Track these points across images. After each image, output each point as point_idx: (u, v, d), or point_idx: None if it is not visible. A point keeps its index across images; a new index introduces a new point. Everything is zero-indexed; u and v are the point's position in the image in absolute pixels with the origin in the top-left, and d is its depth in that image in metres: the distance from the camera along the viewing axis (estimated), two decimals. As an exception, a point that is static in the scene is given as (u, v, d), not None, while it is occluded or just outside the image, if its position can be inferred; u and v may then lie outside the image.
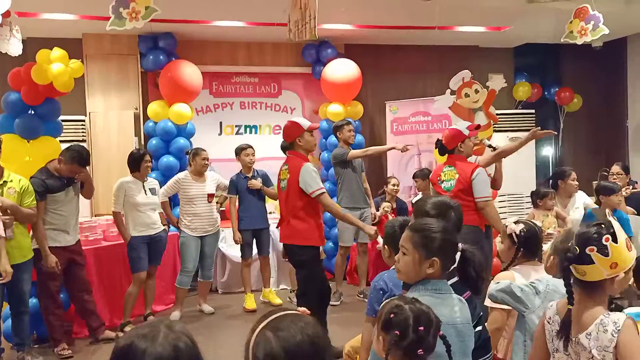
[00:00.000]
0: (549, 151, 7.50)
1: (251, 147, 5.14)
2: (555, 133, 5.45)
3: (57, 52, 4.01)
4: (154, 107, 5.71)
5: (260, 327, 1.15)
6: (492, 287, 2.16)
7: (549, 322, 1.71)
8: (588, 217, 4.39)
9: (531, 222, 2.51)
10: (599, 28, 4.54)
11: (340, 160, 5.05)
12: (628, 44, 7.11)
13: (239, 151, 5.12)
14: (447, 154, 3.92)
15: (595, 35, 4.56)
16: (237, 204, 5.07)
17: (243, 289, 5.20)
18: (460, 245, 1.80)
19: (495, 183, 4.37)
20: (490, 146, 4.33)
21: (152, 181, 4.68)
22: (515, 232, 2.41)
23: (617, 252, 1.56)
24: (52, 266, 3.80)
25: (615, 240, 1.56)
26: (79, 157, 3.93)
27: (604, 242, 1.56)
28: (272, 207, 5.89)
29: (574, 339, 1.61)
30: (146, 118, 5.84)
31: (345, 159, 4.95)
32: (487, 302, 2.29)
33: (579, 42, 4.67)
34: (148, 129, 5.82)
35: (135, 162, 4.48)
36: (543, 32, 6.43)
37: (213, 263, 5.13)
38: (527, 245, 2.40)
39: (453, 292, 1.73)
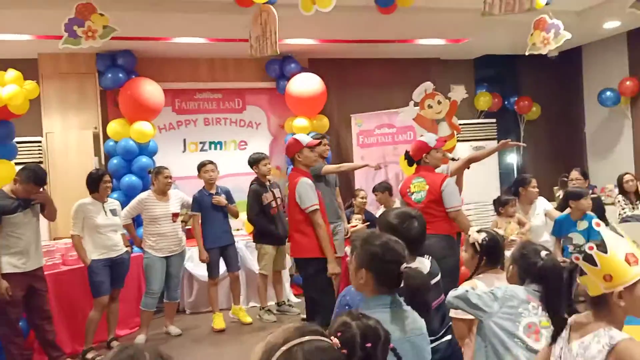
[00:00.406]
0: (511, 159, 7.70)
1: (212, 163, 5.08)
2: (524, 145, 5.59)
3: (12, 73, 3.90)
4: (113, 126, 5.61)
5: (288, 346, 1.08)
6: (449, 294, 2.19)
7: None
8: (558, 223, 4.49)
9: (493, 231, 2.57)
10: (561, 34, 4.68)
11: (315, 174, 4.96)
12: (583, 52, 7.40)
13: (200, 168, 5.06)
14: (416, 166, 3.97)
15: (558, 42, 4.69)
16: (199, 221, 5.00)
17: (210, 309, 5.12)
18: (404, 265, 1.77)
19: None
20: (453, 159, 4.42)
21: (112, 202, 4.57)
22: (477, 241, 2.47)
23: (607, 263, 1.47)
24: (2, 293, 3.63)
25: (604, 250, 1.49)
26: (35, 176, 3.78)
27: (588, 250, 1.50)
28: (240, 223, 5.84)
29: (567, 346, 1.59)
30: (106, 137, 5.72)
31: (319, 173, 4.87)
32: (451, 312, 2.32)
33: (544, 51, 4.78)
34: (108, 149, 5.71)
35: (94, 183, 4.37)
36: (501, 43, 6.64)
37: (179, 283, 5.03)
38: (489, 254, 2.46)
39: (404, 305, 1.72)
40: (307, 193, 3.78)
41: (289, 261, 5.83)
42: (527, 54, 4.71)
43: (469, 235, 2.54)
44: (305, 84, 6.05)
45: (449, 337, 2.19)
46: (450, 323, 2.27)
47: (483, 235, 2.48)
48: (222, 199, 5.00)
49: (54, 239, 5.38)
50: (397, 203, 5.39)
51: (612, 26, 6.27)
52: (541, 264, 2.06)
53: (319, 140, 4.25)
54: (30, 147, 5.46)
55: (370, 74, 6.86)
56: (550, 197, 6.32)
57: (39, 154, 5.50)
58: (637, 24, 6.18)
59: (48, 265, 4.34)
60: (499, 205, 4.69)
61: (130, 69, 5.80)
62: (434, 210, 3.67)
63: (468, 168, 4.42)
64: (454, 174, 4.16)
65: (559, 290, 2.02)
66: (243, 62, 6.23)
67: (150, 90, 5.62)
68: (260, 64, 6.31)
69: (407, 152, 3.98)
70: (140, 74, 5.83)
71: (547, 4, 4.83)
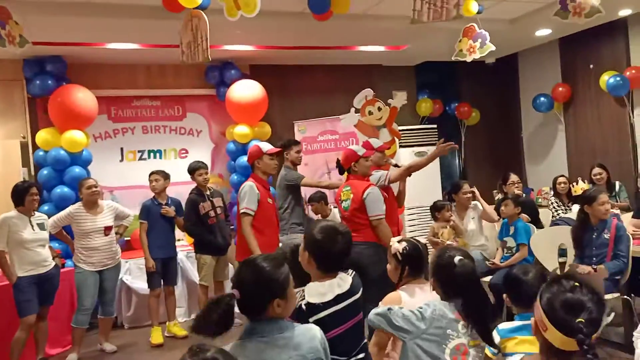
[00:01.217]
0: (453, 164, 7.88)
1: (157, 173, 4.99)
2: (457, 146, 5.56)
3: None
4: (43, 135, 5.35)
5: None
6: (372, 311, 2.11)
7: None
8: (502, 227, 4.61)
9: (414, 240, 2.50)
10: (486, 45, 4.81)
11: (294, 184, 4.69)
12: (519, 59, 7.67)
13: (148, 177, 5.00)
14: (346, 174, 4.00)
15: (483, 52, 4.81)
16: (146, 230, 4.88)
17: (150, 322, 4.96)
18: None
19: (399, 200, 4.48)
20: (395, 165, 4.46)
21: (40, 215, 4.35)
22: (398, 251, 2.41)
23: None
24: None
25: None
26: None
27: None
28: (182, 234, 5.69)
29: None
30: (36, 147, 5.46)
31: (298, 183, 4.66)
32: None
33: (469, 59, 4.91)
34: (38, 159, 5.44)
35: (19, 196, 4.15)
36: (440, 50, 6.76)
37: (114, 298, 4.84)
38: (411, 264, 2.39)
39: (288, 329, 1.67)
40: (246, 195, 3.91)
41: (232, 271, 5.75)
42: (452, 58, 4.82)
43: (390, 246, 2.52)
44: (246, 91, 5.98)
45: (361, 355, 2.11)
46: (365, 341, 2.19)
47: (403, 244, 2.42)
48: (170, 210, 4.92)
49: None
50: (334, 212, 5.39)
51: (544, 34, 6.51)
52: (455, 271, 2.05)
53: (279, 149, 4.30)
54: (-49, 159, 5.14)
55: (312, 80, 6.87)
56: (490, 200, 6.51)
57: (-39, 165, 5.19)
58: (568, 31, 6.46)
59: (-32, 283, 4.10)
60: (435, 210, 4.77)
61: (60, 76, 5.57)
62: (360, 218, 3.67)
63: (409, 176, 4.45)
64: (394, 181, 4.16)
65: (477, 299, 2.03)
66: (182, 68, 6.10)
67: (82, 97, 5.40)
68: (200, 70, 6.21)
69: (338, 160, 4.01)
70: (72, 80, 5.60)
71: (478, 12, 4.97)
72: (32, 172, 5.52)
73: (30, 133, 5.52)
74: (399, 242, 2.46)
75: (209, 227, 4.96)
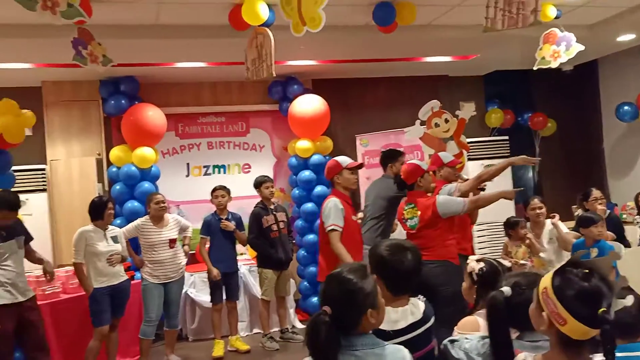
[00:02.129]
0: (526, 177, 7.56)
1: (223, 188, 5.15)
2: (536, 161, 5.02)
3: (6, 102, 4.02)
4: (116, 152, 5.71)
5: None
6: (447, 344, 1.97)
7: None
8: (574, 248, 4.34)
9: (495, 261, 2.38)
10: (573, 46, 4.60)
11: (397, 196, 4.26)
12: (599, 66, 7.28)
13: (211, 193, 5.14)
14: (407, 190, 3.90)
15: (570, 54, 4.59)
16: (206, 245, 5.05)
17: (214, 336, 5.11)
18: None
19: (472, 216, 4.35)
20: (465, 179, 4.34)
21: (113, 229, 4.61)
22: (474, 271, 2.32)
23: None
24: None
25: None
26: (6, 202, 3.77)
27: None
28: (244, 248, 5.84)
29: None
30: (109, 163, 5.83)
31: (403, 195, 4.17)
32: None
33: (554, 65, 4.70)
34: (112, 174, 5.81)
35: (98, 210, 4.42)
36: (512, 58, 6.57)
37: (179, 311, 5.02)
38: (486, 288, 2.22)
39: (379, 345, 1.66)
40: (331, 212, 3.74)
41: (293, 286, 5.81)
42: (535, 68, 4.64)
43: (467, 264, 2.44)
44: (308, 105, 6.08)
45: None
46: None
47: (481, 264, 2.31)
48: (230, 224, 5.05)
49: (59, 267, 5.46)
50: (399, 227, 5.31)
51: (627, 39, 6.17)
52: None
53: (360, 162, 4.20)
54: (35, 175, 5.58)
55: (375, 93, 6.87)
56: (569, 217, 6.17)
57: (43, 181, 5.62)
58: (653, 35, 6.06)
59: (47, 294, 4.39)
60: (508, 227, 4.59)
61: (133, 95, 5.93)
62: (429, 235, 3.61)
63: (483, 189, 4.28)
64: (465, 194, 3.98)
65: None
66: (246, 85, 6.31)
67: (153, 115, 5.72)
68: (264, 86, 6.39)
69: (397, 176, 3.94)
70: (144, 99, 5.95)
71: (556, 17, 4.79)
72: (106, 188, 5.88)
73: (105, 150, 5.89)
74: (477, 260, 2.37)
75: (271, 240, 5.07)
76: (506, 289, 1.68)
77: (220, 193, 5.11)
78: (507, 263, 2.45)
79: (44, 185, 5.61)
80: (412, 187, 3.82)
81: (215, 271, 4.94)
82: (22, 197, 4.18)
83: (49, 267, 4.17)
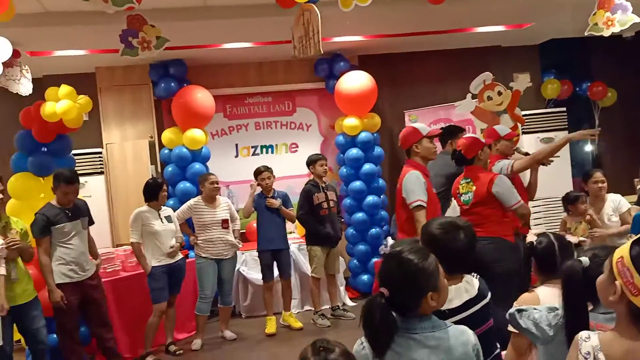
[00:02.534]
0: (586, 149, 7.24)
1: (267, 169, 5.18)
2: (596, 132, 4.73)
3: (65, 89, 4.17)
4: (168, 135, 5.86)
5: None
6: (511, 310, 1.96)
7: (585, 359, 1.48)
8: (636, 220, 4.15)
9: (553, 235, 2.31)
10: (628, 17, 4.35)
11: (457, 173, 4.11)
12: (664, 31, 6.80)
13: (256, 175, 5.19)
14: (465, 165, 3.79)
15: (623, 24, 4.36)
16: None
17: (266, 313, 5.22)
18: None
19: (530, 193, 4.22)
20: (526, 154, 4.17)
21: (166, 209, 4.76)
22: (532, 243, 2.27)
23: None
24: (57, 301, 3.84)
25: None
26: (62, 175, 3.91)
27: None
28: (292, 226, 5.91)
29: None
30: (161, 146, 5.99)
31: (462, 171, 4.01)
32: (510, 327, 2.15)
33: (606, 33, 4.47)
34: (164, 157, 5.97)
35: (153, 192, 4.57)
36: (569, 26, 6.23)
37: (232, 288, 5.16)
38: (540, 261, 2.25)
39: (441, 328, 1.62)
40: (414, 187, 3.38)
41: (343, 264, 5.85)
42: (585, 34, 4.40)
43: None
44: (355, 82, 6.00)
45: None
46: (498, 351, 2.06)
47: (534, 237, 2.27)
48: (275, 202, 5.10)
49: (117, 246, 5.71)
50: (453, 202, 5.22)
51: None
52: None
53: (440, 130, 3.90)
54: (92, 158, 5.82)
55: (423, 67, 6.70)
56: (631, 190, 5.87)
57: (100, 164, 5.85)
58: None
59: (108, 272, 4.60)
60: (568, 202, 4.42)
61: (182, 78, 6.04)
62: (483, 211, 3.53)
63: (545, 164, 4.12)
64: (517, 172, 3.87)
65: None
66: (292, 63, 6.28)
67: (201, 97, 5.81)
68: (310, 64, 6.35)
69: (455, 151, 3.80)
70: (192, 81, 6.05)
71: (614, -18, 4.50)
72: (159, 169, 6.06)
73: (156, 133, 6.05)
74: (539, 235, 2.32)
75: (320, 217, 5.11)
76: (584, 259, 1.63)
77: (267, 175, 5.14)
78: (572, 239, 2.36)
79: (101, 167, 5.84)
80: (471, 161, 3.70)
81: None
82: (81, 179, 4.36)
83: (98, 267, 4.29)
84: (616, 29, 4.38)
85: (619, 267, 1.36)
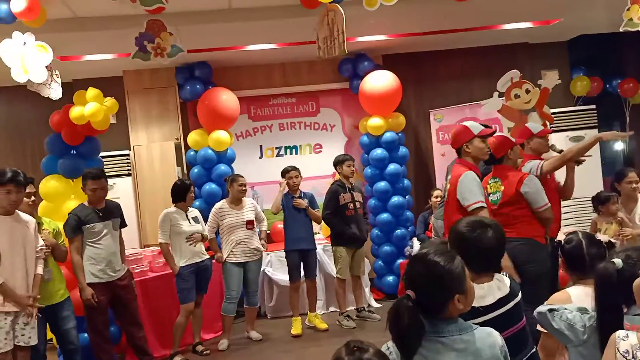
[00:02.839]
0: (616, 147, 7.05)
1: (295, 169, 5.20)
2: (630, 134, 4.88)
3: (92, 92, 4.26)
4: (193, 136, 5.93)
5: None
6: (537, 309, 1.96)
7: (624, 357, 1.48)
8: None
9: (582, 233, 2.28)
10: None
11: (483, 173, 4.17)
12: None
13: (284, 174, 5.20)
14: (493, 164, 3.74)
15: None
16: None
17: (292, 313, 5.23)
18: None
19: (565, 192, 4.10)
20: (561, 151, 3.98)
21: (193, 210, 4.81)
22: (560, 242, 2.25)
23: None
24: (88, 299, 3.92)
25: None
26: (89, 173, 4.01)
27: None
28: (318, 227, 5.91)
29: None
30: (187, 147, 6.06)
31: (489, 170, 4.05)
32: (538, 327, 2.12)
33: None
34: (190, 158, 6.04)
35: (181, 193, 4.62)
36: (599, 21, 6.10)
37: (258, 289, 5.18)
38: (569, 259, 2.22)
39: (467, 331, 1.60)
40: (472, 187, 3.27)
41: (368, 266, 5.82)
42: (621, 30, 4.29)
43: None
44: (379, 82, 5.97)
45: None
46: (534, 350, 2.01)
47: (564, 237, 2.25)
48: (302, 202, 5.11)
49: (145, 246, 5.80)
50: None
51: None
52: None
53: (492, 130, 3.64)
54: (120, 160, 5.92)
55: (448, 65, 6.63)
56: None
57: (128, 166, 5.96)
58: None
59: (136, 272, 4.66)
60: (598, 202, 4.31)
61: (207, 80, 6.10)
62: (512, 212, 3.48)
63: (578, 164, 4.02)
64: (548, 172, 3.75)
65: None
66: (316, 64, 6.29)
67: (226, 99, 5.86)
68: (333, 64, 6.34)
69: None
70: (217, 83, 6.11)
71: (647, -26, 4.38)
72: (185, 171, 6.13)
73: (182, 134, 6.13)
74: (569, 233, 2.29)
75: (345, 218, 5.10)
76: (617, 261, 1.62)
77: (294, 174, 5.16)
78: (602, 237, 2.30)
79: (128, 169, 5.94)
80: (500, 160, 3.66)
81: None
82: (109, 181, 4.45)
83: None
84: None
85: None
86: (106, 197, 4.15)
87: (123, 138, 6.07)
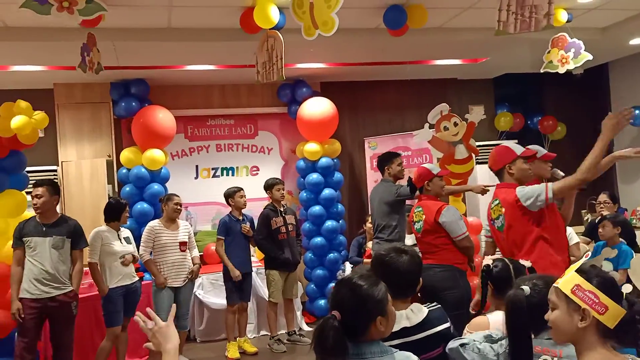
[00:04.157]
0: (536, 181, 7.58)
1: (242, 189, 5.25)
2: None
3: (21, 104, 4.13)
4: (126, 154, 5.82)
5: None
6: (449, 344, 2.02)
7: None
8: (595, 249, 4.37)
9: (507, 260, 2.41)
10: (582, 54, 4.64)
11: (405, 198, 4.44)
12: (610, 70, 7.31)
13: (232, 194, 5.20)
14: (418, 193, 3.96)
15: (578, 62, 4.63)
16: (223, 245, 5.12)
17: (222, 337, 5.19)
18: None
19: (565, 217, 3.45)
20: (564, 177, 3.53)
21: (125, 230, 4.70)
22: (485, 267, 2.35)
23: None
24: (13, 313, 3.80)
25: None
26: (37, 183, 4.03)
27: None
28: (252, 250, 5.92)
29: None
30: (120, 165, 5.94)
31: (406, 198, 4.41)
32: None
33: (561, 70, 4.74)
34: (122, 176, 5.92)
35: (116, 212, 4.50)
36: (522, 61, 6.63)
37: (188, 312, 5.11)
38: (496, 285, 2.31)
39: (388, 354, 1.68)
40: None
41: (300, 289, 5.89)
42: (541, 71, 4.70)
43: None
44: (317, 108, 6.16)
45: None
46: None
47: (491, 261, 2.35)
48: (250, 229, 5.17)
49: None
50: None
51: (639, 42, 6.21)
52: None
53: (535, 151, 3.38)
54: (47, 176, 5.68)
55: (383, 96, 6.95)
56: (579, 221, 6.20)
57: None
58: (665, 39, 6.09)
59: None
60: None
61: (143, 97, 6.05)
62: (433, 240, 3.67)
63: (580, 191, 3.43)
64: (560, 196, 3.21)
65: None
66: (255, 87, 6.41)
67: (162, 117, 5.83)
68: (272, 89, 6.49)
69: (410, 179, 4.02)
70: (154, 101, 6.07)
71: (568, 21, 4.84)
72: (116, 189, 6.00)
73: (115, 152, 6.01)
74: (494, 260, 2.39)
75: (278, 242, 5.16)
76: (526, 288, 1.71)
77: (244, 193, 5.22)
78: (526, 263, 2.46)
79: (55, 186, 5.72)
80: (421, 190, 3.91)
81: (237, 272, 4.99)
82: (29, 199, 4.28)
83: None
84: (571, 66, 4.65)
85: (577, 294, 1.45)
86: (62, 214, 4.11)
87: (51, 153, 5.87)
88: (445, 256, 3.64)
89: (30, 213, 4.28)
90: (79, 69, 3.96)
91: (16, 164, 4.29)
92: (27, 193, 4.43)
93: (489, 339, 1.98)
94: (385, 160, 4.70)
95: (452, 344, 2.00)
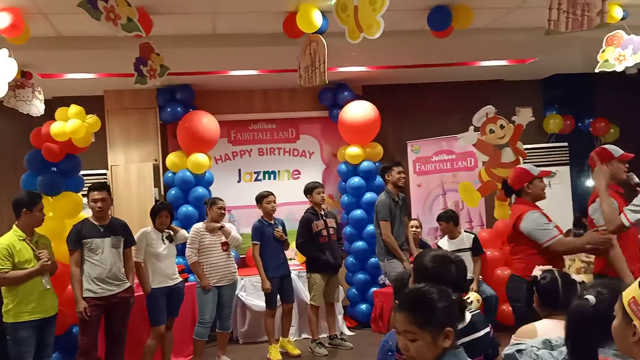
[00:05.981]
0: (587, 184, 7.35)
1: (272, 194, 5.32)
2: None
3: (74, 108, 4.35)
4: (172, 158, 6.03)
5: None
6: (507, 348, 1.99)
7: None
8: None
9: (558, 272, 2.39)
10: None
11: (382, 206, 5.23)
12: (667, 68, 7.01)
13: (261, 199, 5.29)
14: (514, 196, 3.75)
15: (638, 58, 4.51)
16: (259, 251, 5.18)
17: (265, 339, 5.28)
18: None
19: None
20: (638, 184, 3.57)
21: (168, 231, 4.86)
22: (535, 277, 2.36)
23: None
24: (80, 312, 4.03)
25: None
26: (91, 184, 4.27)
27: None
28: (293, 253, 6.00)
29: None
30: (165, 169, 6.15)
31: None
32: None
33: (619, 69, 4.60)
34: (167, 180, 6.12)
35: (152, 215, 4.72)
36: (573, 61, 6.45)
37: (231, 313, 5.21)
38: (542, 296, 2.32)
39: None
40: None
41: (342, 293, 5.91)
42: (596, 71, 4.57)
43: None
44: (358, 111, 6.20)
45: None
46: None
47: (540, 273, 2.36)
48: (283, 234, 5.24)
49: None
50: (462, 234, 5.38)
51: (697, 38, 5.92)
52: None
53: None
54: (98, 179, 5.94)
55: (426, 98, 6.91)
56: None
57: (105, 185, 5.99)
58: None
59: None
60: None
61: (188, 103, 6.25)
62: (514, 247, 3.59)
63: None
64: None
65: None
66: (297, 91, 6.50)
67: (206, 122, 6.00)
68: (314, 93, 6.56)
69: (504, 181, 3.81)
70: (198, 107, 6.26)
71: (623, 18, 4.68)
72: (162, 192, 6.20)
73: (161, 156, 6.23)
74: (545, 270, 2.41)
75: (319, 245, 5.22)
76: (591, 298, 1.66)
77: (273, 198, 5.27)
78: (577, 277, 2.41)
79: (105, 189, 5.97)
80: (519, 192, 3.66)
81: (268, 284, 5.07)
82: (85, 200, 4.49)
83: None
84: (629, 63, 4.51)
85: (632, 307, 1.38)
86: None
87: (101, 158, 6.14)
88: (516, 265, 3.54)
89: (84, 214, 4.50)
90: (138, 83, 4.10)
91: (72, 167, 4.52)
92: (83, 195, 4.66)
93: (547, 345, 1.92)
94: (387, 168, 5.28)
95: (509, 349, 1.96)
